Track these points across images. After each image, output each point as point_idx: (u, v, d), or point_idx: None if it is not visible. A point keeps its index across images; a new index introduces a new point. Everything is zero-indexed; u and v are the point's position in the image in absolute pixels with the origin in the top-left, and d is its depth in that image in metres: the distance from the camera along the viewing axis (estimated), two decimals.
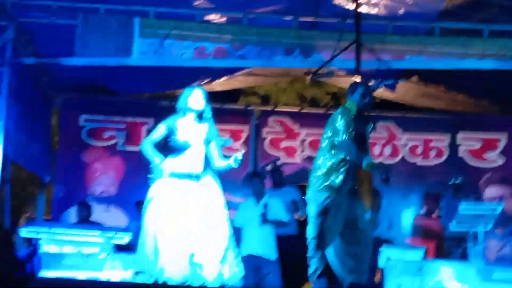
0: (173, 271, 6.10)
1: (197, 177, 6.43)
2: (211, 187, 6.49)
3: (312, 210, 6.60)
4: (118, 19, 8.58)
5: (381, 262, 8.73)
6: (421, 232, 11.21)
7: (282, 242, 9.21)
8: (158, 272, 6.09)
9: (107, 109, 11.65)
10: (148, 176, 6.64)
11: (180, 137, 6.49)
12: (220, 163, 6.62)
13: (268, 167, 11.40)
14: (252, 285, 8.73)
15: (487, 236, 9.34)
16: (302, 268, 6.90)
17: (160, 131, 6.57)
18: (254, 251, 8.97)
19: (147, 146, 6.56)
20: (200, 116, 6.63)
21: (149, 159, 6.54)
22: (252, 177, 9.60)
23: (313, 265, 6.61)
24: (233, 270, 6.38)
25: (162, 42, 8.48)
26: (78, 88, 11.22)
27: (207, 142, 6.57)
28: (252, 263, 8.88)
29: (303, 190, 7.35)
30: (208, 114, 6.67)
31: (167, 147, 6.53)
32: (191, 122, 6.59)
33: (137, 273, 6.15)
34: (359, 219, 6.74)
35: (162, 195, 6.34)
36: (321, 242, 6.54)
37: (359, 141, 6.63)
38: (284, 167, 11.48)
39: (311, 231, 6.60)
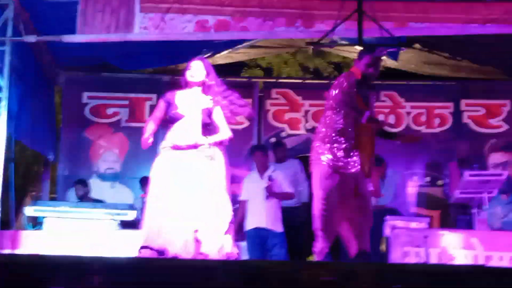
0: (176, 246, 6.10)
1: (201, 148, 6.38)
2: (217, 160, 6.46)
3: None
4: None
5: (386, 231, 8.76)
6: (426, 201, 11.24)
7: (287, 214, 9.22)
8: (162, 247, 6.10)
9: (110, 85, 11.64)
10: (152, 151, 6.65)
11: (177, 109, 6.45)
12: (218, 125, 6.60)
13: (272, 140, 11.39)
14: (258, 257, 8.75)
15: (492, 203, 9.37)
16: (307, 240, 6.93)
17: (159, 106, 6.58)
18: (260, 224, 8.98)
19: (147, 124, 6.53)
20: (203, 88, 6.58)
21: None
22: (255, 150, 9.58)
23: (320, 242, 6.64)
24: (235, 244, 6.39)
25: (163, 17, 8.43)
26: (81, 65, 11.21)
27: (208, 112, 6.51)
28: (258, 236, 8.91)
29: (307, 161, 7.33)
30: (212, 84, 6.58)
31: (169, 120, 6.52)
32: (190, 94, 6.55)
33: (141, 248, 6.14)
34: (359, 186, 6.76)
35: (164, 170, 6.31)
36: (329, 217, 6.57)
37: (361, 103, 6.66)
38: (288, 138, 11.49)
39: (318, 206, 6.63)
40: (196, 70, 6.58)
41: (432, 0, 8.75)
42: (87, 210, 8.54)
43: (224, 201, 6.35)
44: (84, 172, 11.29)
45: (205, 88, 6.57)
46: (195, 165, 6.32)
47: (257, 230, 8.92)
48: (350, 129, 6.74)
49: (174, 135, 6.41)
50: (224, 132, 6.55)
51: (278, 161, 10.02)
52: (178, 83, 6.70)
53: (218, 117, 6.57)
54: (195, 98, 6.54)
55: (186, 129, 6.40)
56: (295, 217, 9.36)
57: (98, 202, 9.90)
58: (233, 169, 11.15)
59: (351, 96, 6.67)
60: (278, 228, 9.04)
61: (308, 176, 7.81)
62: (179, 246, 6.11)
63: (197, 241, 6.17)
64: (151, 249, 6.12)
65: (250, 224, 8.97)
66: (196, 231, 6.18)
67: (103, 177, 11.30)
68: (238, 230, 8.80)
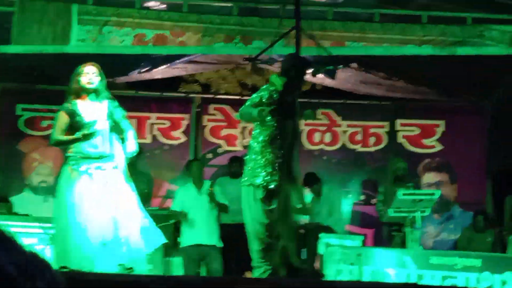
0: (97, 261, 6.00)
1: (108, 158, 6.24)
2: (121, 169, 6.33)
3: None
4: (56, 6, 8.46)
5: (321, 248, 8.80)
6: (360, 219, 11.32)
7: (226, 230, 9.19)
8: (83, 264, 5.97)
9: (45, 98, 11.45)
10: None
11: (83, 118, 6.22)
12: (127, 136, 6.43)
13: (209, 155, 11.35)
14: (194, 274, 8.69)
15: (424, 222, 9.46)
16: (244, 256, 6.89)
17: (63, 119, 6.27)
18: (198, 240, 8.88)
19: (59, 137, 6.31)
20: (96, 94, 6.31)
21: (69, 144, 6.30)
22: (192, 163, 9.50)
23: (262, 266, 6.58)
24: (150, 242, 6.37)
25: (101, 29, 8.38)
26: (16, 76, 11.03)
27: (110, 119, 6.33)
28: (196, 253, 8.83)
29: None
30: (103, 90, 6.35)
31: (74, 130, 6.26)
32: (89, 101, 6.28)
33: (61, 268, 5.97)
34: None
35: (74, 183, 6.15)
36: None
37: (286, 113, 6.54)
38: (225, 155, 11.46)
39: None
40: (94, 75, 6.30)
41: (369, 21, 8.86)
42: (20, 224, 8.41)
43: (135, 207, 6.29)
44: (17, 185, 11.10)
45: (100, 93, 6.33)
46: (105, 176, 6.21)
47: (195, 247, 8.84)
48: None
49: (82, 145, 6.21)
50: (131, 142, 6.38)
51: (232, 176, 9.85)
52: (115, 96, 6.58)
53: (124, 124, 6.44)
54: (97, 105, 6.32)
55: (95, 139, 6.23)
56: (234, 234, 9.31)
57: (32, 217, 9.73)
58: (170, 185, 11.14)
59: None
60: (216, 243, 8.98)
61: None
62: (100, 260, 6.02)
63: (115, 252, 6.09)
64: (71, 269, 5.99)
65: (187, 240, 8.87)
66: (111, 242, 6.09)
67: (35, 190, 11.12)
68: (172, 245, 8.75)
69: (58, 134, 6.31)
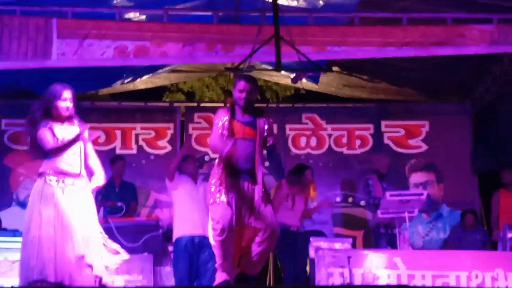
0: (72, 276, 6.05)
1: (75, 178, 6.39)
2: (86, 188, 6.47)
3: None
4: (35, 20, 8.42)
5: (311, 252, 8.81)
6: (349, 221, 11.34)
7: None
8: (58, 279, 6.01)
9: (28, 112, 11.43)
10: None
11: (59, 140, 6.40)
12: (92, 162, 6.63)
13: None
14: (186, 268, 8.55)
15: (413, 222, 9.47)
16: None
17: (47, 133, 6.42)
18: (194, 230, 8.70)
19: (54, 146, 6.43)
20: (69, 117, 6.54)
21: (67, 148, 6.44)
22: (188, 159, 9.36)
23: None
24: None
25: (82, 42, 8.35)
26: None
27: (82, 142, 6.51)
28: (191, 243, 8.65)
29: None
30: (75, 113, 6.59)
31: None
32: (64, 125, 6.51)
33: (36, 282, 6.02)
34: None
35: (40, 199, 6.29)
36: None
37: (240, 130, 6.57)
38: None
39: None
40: (70, 100, 6.51)
41: (349, 24, 8.87)
42: (6, 239, 8.40)
43: (96, 223, 6.43)
44: (3, 200, 11.07)
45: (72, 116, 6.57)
46: (71, 194, 6.33)
47: (191, 237, 8.70)
48: None
49: (54, 163, 6.36)
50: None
51: None
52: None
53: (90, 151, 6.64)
54: (70, 127, 6.52)
55: (66, 159, 6.38)
56: None
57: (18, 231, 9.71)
58: (158, 194, 11.13)
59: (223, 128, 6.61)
60: None
61: None
62: (75, 276, 6.05)
63: (88, 266, 6.16)
64: (48, 282, 6.01)
65: (181, 230, 8.67)
66: (82, 257, 6.15)
67: (22, 205, 11.07)
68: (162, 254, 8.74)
69: (51, 144, 6.40)
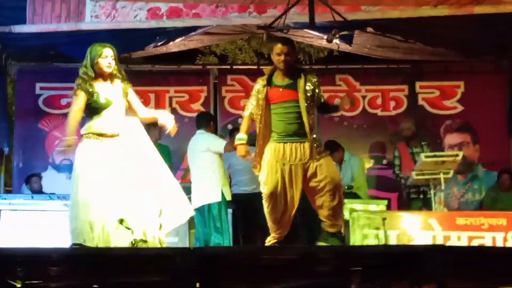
0: (110, 239, 5.98)
1: (124, 136, 6.30)
2: (143, 145, 6.41)
3: None
4: None
5: (345, 214, 8.79)
6: (384, 183, 11.30)
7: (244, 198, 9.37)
8: (96, 242, 5.95)
9: (63, 75, 11.45)
10: None
11: (101, 99, 6.27)
12: (144, 113, 6.55)
13: (229, 126, 11.32)
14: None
15: (448, 183, 9.40)
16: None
17: (82, 99, 6.29)
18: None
19: (73, 117, 6.32)
20: (112, 76, 6.40)
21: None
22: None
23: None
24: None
25: (115, 5, 8.34)
26: (33, 55, 11.05)
27: (125, 100, 6.41)
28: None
29: None
30: (119, 71, 6.44)
31: (92, 110, 6.31)
32: (105, 83, 6.37)
33: (73, 245, 5.97)
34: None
35: (88, 160, 6.19)
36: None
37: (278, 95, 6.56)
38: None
39: None
40: (112, 58, 6.37)
41: None
42: (42, 202, 8.45)
43: (156, 185, 6.29)
44: (39, 164, 11.16)
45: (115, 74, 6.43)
46: (120, 153, 6.23)
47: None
48: None
49: (100, 123, 6.28)
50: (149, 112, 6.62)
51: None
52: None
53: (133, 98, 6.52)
54: (113, 85, 6.40)
55: (111, 118, 6.29)
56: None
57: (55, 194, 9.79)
58: None
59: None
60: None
61: None
62: (112, 238, 5.99)
63: (131, 231, 6.05)
64: (84, 247, 5.96)
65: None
66: (127, 220, 6.05)
67: (58, 168, 11.16)
68: None
69: (75, 114, 6.32)
